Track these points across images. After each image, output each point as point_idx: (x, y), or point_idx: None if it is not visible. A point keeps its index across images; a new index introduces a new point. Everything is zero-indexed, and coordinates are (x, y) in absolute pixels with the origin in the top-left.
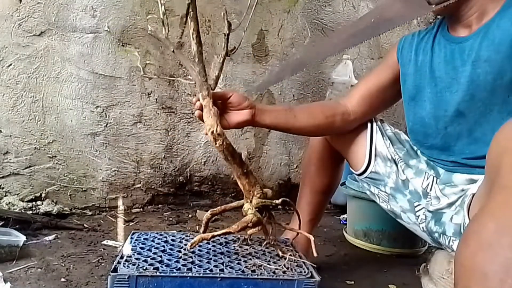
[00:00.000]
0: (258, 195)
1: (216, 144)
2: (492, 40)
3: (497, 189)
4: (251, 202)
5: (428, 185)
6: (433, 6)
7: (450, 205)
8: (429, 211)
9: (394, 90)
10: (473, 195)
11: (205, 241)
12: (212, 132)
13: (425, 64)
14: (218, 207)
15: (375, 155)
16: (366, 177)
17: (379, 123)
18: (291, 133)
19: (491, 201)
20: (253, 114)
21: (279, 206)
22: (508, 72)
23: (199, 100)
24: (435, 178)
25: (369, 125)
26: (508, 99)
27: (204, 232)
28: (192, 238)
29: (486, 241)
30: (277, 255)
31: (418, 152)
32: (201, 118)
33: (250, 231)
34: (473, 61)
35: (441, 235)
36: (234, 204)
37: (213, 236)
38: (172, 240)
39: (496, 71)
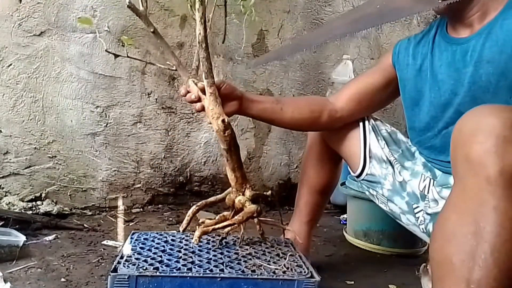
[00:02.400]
0: (250, 188)
1: (225, 133)
2: (495, 41)
3: (456, 182)
4: (243, 194)
5: (425, 187)
6: (440, 1)
7: None
8: (427, 213)
9: (384, 94)
10: None
11: (206, 237)
12: (223, 121)
13: (425, 68)
14: (202, 201)
15: (370, 157)
16: (363, 179)
17: (372, 121)
18: (275, 125)
19: (452, 194)
20: (240, 104)
21: (269, 199)
22: None
23: (188, 90)
24: (431, 180)
25: (361, 124)
26: (510, 100)
27: (185, 228)
28: (192, 238)
29: (450, 232)
30: (277, 255)
31: (416, 153)
32: (202, 108)
33: (227, 229)
34: (476, 62)
35: None
36: (220, 196)
37: (214, 229)
38: (172, 240)
39: (499, 72)
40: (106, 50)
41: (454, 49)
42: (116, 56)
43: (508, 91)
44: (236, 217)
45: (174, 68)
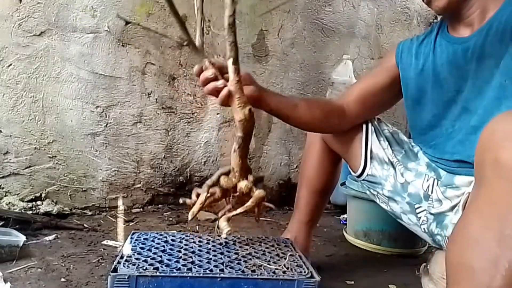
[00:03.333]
0: (250, 173)
1: (248, 124)
2: (495, 35)
3: (481, 185)
4: (246, 179)
5: (428, 186)
6: None
7: (453, 208)
8: (431, 213)
9: (390, 94)
10: (469, 194)
11: (206, 237)
12: (250, 110)
13: (427, 68)
14: (204, 186)
15: (371, 158)
16: (363, 179)
17: (375, 123)
18: (290, 122)
19: (476, 198)
20: (260, 92)
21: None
22: (506, 56)
23: (203, 70)
24: (435, 180)
25: (364, 126)
26: (505, 83)
27: (195, 215)
28: (193, 239)
29: (472, 237)
30: (277, 255)
31: (419, 153)
32: (227, 97)
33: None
34: (477, 58)
35: (444, 238)
36: (214, 178)
37: (234, 215)
38: (172, 240)
39: (499, 62)
40: (118, 16)
41: (456, 48)
42: (127, 22)
43: (502, 74)
44: (248, 204)
45: (185, 43)
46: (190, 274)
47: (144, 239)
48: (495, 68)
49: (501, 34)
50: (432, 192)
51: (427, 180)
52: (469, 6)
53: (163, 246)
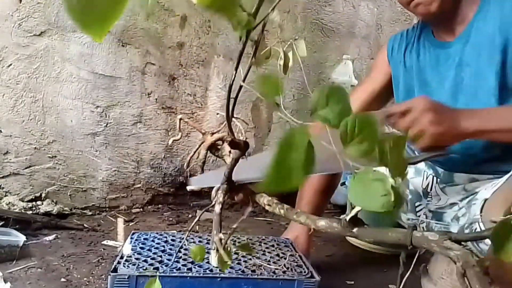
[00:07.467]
0: None
1: None
2: (473, 44)
3: None
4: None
5: (428, 184)
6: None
7: (452, 205)
8: (430, 210)
9: (391, 92)
10: (485, 200)
11: (206, 237)
12: None
13: (411, 67)
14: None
15: None
16: None
17: None
18: None
19: None
20: None
21: None
22: (491, 77)
23: None
24: (435, 178)
25: None
26: (491, 103)
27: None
28: (193, 239)
29: None
30: (277, 255)
31: (416, 151)
32: None
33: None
34: (457, 65)
35: None
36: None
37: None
38: (172, 240)
39: (478, 73)
40: None
41: (438, 52)
42: None
43: (489, 94)
44: None
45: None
46: (190, 274)
47: (144, 239)
48: (472, 77)
49: (478, 47)
50: (431, 189)
51: (426, 178)
52: (448, 12)
53: (163, 246)
